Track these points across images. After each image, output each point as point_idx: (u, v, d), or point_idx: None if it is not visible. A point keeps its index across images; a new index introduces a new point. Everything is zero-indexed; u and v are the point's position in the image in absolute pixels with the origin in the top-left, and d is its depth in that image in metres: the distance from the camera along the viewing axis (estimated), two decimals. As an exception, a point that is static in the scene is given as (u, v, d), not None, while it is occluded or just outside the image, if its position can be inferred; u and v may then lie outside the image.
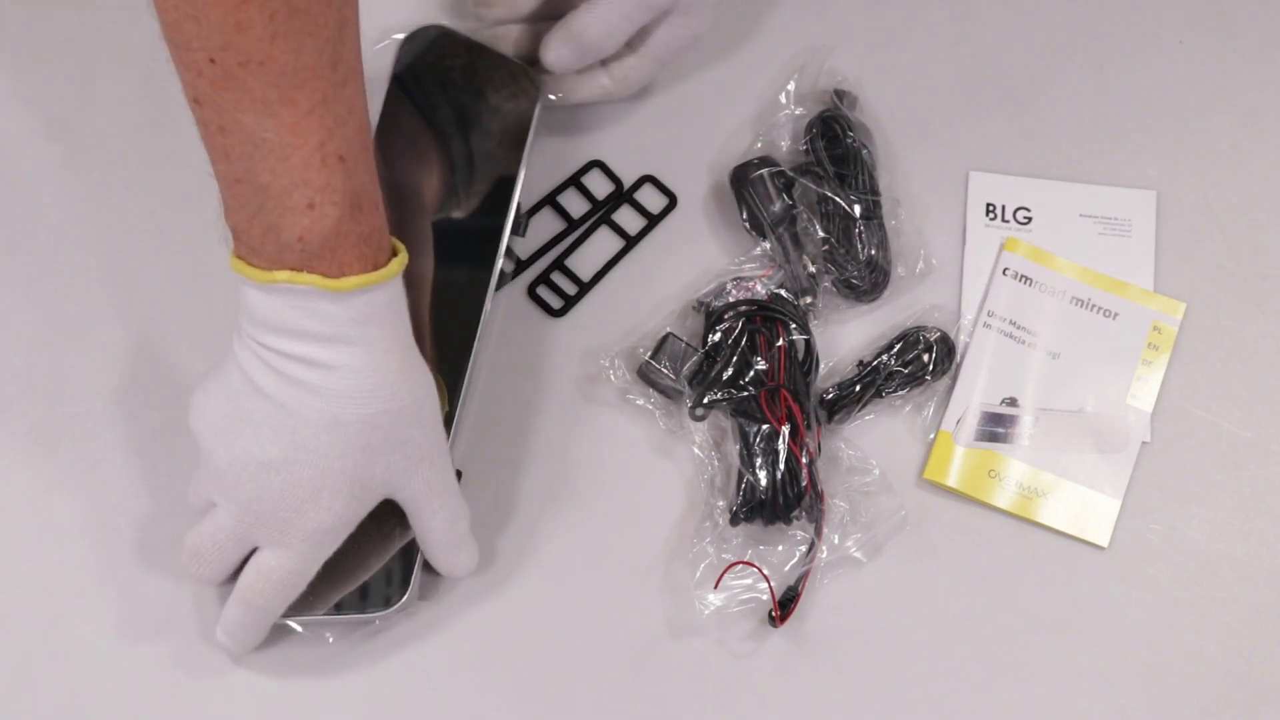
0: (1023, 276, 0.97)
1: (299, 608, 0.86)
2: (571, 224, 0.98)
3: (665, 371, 0.92)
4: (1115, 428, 0.94)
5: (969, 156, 0.99)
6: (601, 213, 0.98)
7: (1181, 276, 0.97)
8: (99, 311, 0.96)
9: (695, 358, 0.92)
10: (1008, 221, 0.98)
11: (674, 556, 0.91)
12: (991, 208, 0.98)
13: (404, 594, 0.87)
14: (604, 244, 0.98)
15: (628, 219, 0.98)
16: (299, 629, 0.88)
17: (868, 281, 0.94)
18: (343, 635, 0.89)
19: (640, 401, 0.93)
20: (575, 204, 0.98)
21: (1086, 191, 0.99)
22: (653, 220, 0.98)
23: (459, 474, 0.89)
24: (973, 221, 0.98)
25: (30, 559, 0.92)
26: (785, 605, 0.89)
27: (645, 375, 0.93)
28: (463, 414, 0.91)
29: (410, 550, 0.88)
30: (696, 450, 0.92)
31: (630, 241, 0.97)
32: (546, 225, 0.98)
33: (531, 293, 0.96)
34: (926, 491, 0.93)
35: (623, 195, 0.98)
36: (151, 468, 0.93)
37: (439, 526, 0.85)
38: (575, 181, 0.98)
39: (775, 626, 0.89)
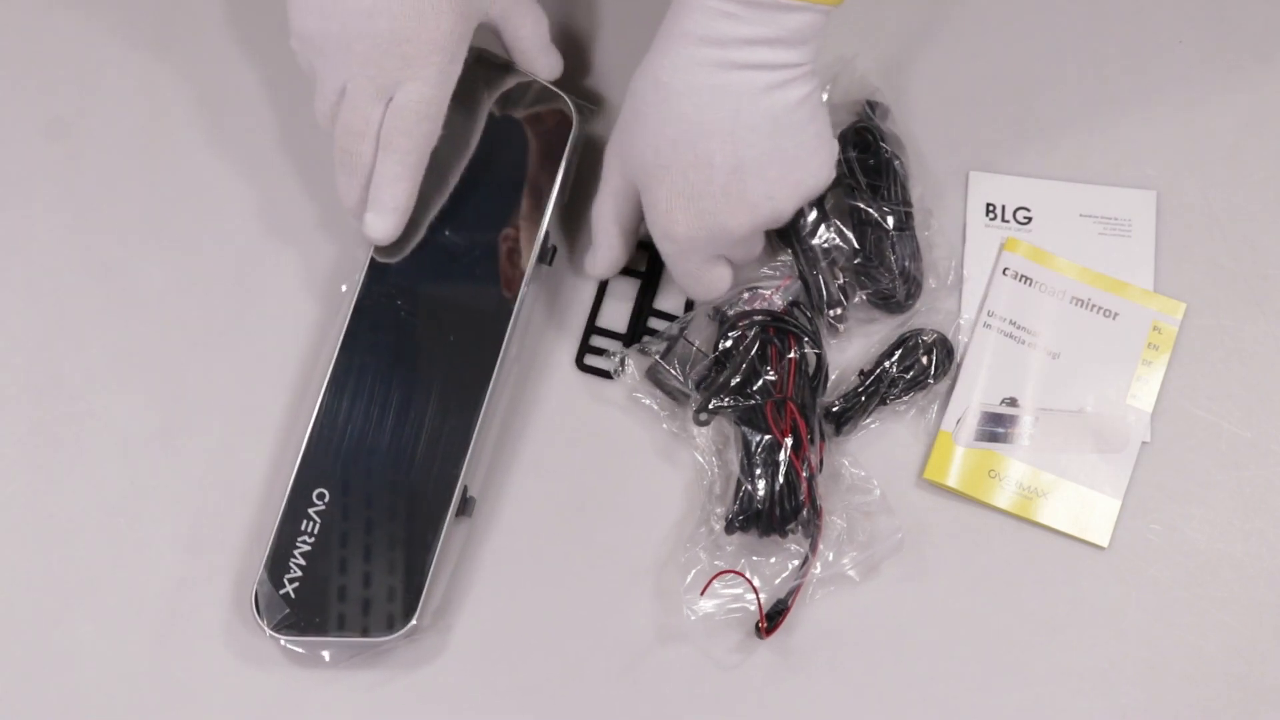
0: (1023, 276, 0.97)
1: (303, 627, 0.87)
2: (643, 271, 0.96)
3: (674, 373, 0.92)
4: (1115, 428, 0.94)
5: (969, 156, 0.99)
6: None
7: (1181, 276, 0.97)
8: (99, 311, 0.96)
9: (704, 362, 0.92)
10: (1008, 221, 0.98)
11: (667, 560, 0.91)
12: (991, 208, 0.98)
13: (410, 619, 0.87)
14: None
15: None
16: (300, 650, 0.88)
17: (901, 293, 0.94)
18: (341, 656, 0.89)
19: (647, 401, 0.93)
20: (640, 249, 0.97)
21: (1086, 191, 0.99)
22: None
23: (472, 501, 0.89)
24: (973, 221, 0.98)
25: (30, 559, 0.92)
26: (773, 618, 0.89)
27: (654, 376, 0.93)
28: (481, 439, 0.90)
29: (419, 572, 0.88)
30: (698, 455, 0.92)
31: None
32: (625, 289, 0.97)
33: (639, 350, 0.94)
34: (926, 492, 0.93)
35: None
36: (152, 468, 0.93)
37: (529, 33, 0.93)
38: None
39: (761, 638, 0.89)
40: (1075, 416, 0.94)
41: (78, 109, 1.00)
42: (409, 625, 0.87)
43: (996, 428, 0.94)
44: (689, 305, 0.96)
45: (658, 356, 0.93)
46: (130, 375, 0.95)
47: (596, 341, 0.95)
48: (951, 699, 0.90)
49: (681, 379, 0.92)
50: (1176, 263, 0.97)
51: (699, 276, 0.90)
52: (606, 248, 0.92)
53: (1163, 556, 0.92)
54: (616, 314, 0.96)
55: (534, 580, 0.91)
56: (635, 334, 0.95)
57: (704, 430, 0.92)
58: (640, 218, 0.91)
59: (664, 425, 0.93)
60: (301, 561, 0.88)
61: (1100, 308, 0.96)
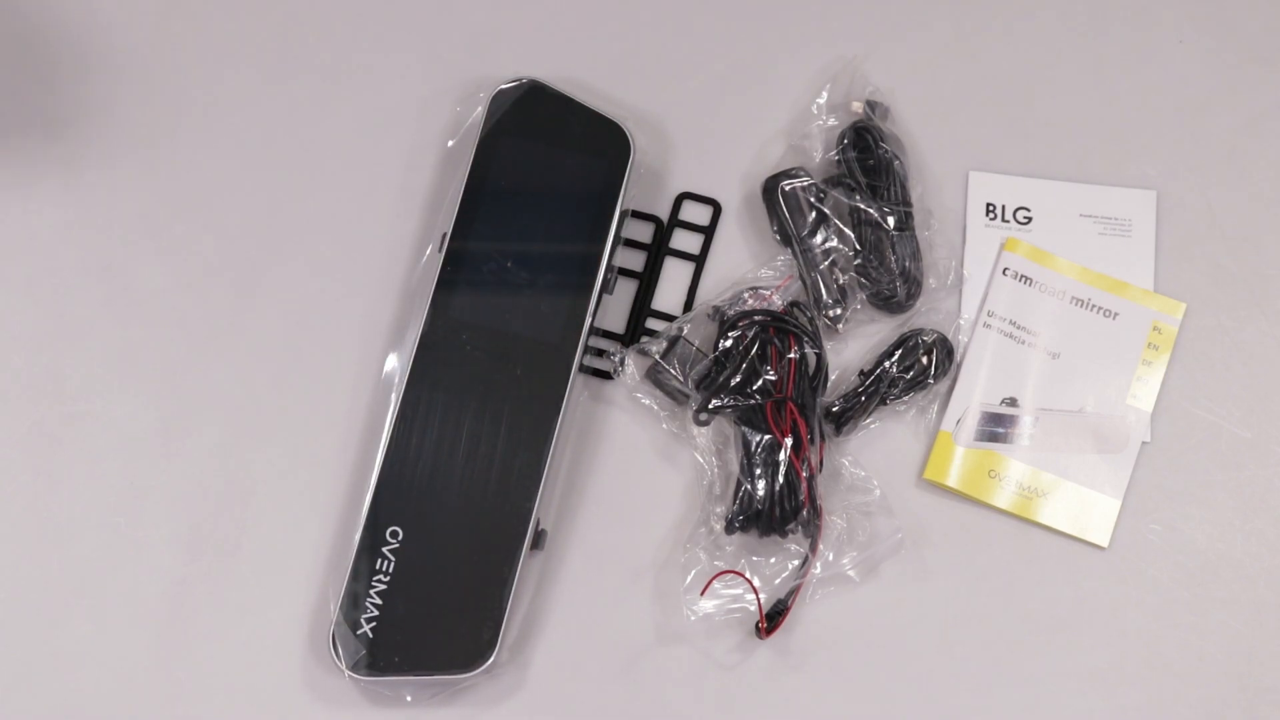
0: (1023, 276, 0.97)
1: (382, 667, 0.87)
2: (641, 272, 0.96)
3: (673, 373, 0.92)
4: (1115, 428, 0.94)
5: (969, 156, 0.99)
6: (661, 247, 0.97)
7: (1181, 276, 0.97)
8: (99, 311, 0.96)
9: (704, 362, 0.92)
10: (1008, 221, 0.98)
11: (667, 560, 0.91)
12: (991, 208, 0.98)
13: (491, 654, 0.87)
14: (675, 272, 0.97)
15: (685, 240, 0.97)
16: (380, 690, 0.88)
17: (901, 293, 0.94)
18: (421, 695, 0.88)
19: (647, 401, 0.93)
20: (633, 256, 0.97)
21: (1086, 191, 0.99)
22: (708, 231, 0.97)
23: (544, 534, 0.89)
24: (973, 221, 0.98)
25: (30, 559, 0.92)
26: (773, 618, 0.89)
27: (654, 376, 0.93)
28: (552, 471, 0.90)
29: (496, 607, 0.87)
30: (698, 455, 0.92)
31: (699, 259, 0.97)
32: (622, 289, 0.97)
33: (639, 350, 0.94)
34: (926, 492, 0.93)
35: (670, 222, 0.97)
36: (151, 468, 0.93)
37: None
38: (619, 238, 0.96)
39: (761, 638, 0.89)
40: (1075, 416, 0.94)
41: (78, 109, 1.00)
42: (489, 661, 0.87)
43: (996, 428, 0.94)
44: (688, 305, 0.96)
45: (658, 356, 0.93)
46: (130, 375, 0.95)
47: (595, 342, 0.95)
48: (951, 699, 0.90)
49: (681, 379, 0.92)
50: (1176, 263, 0.97)
51: None
52: None
53: (1163, 556, 0.92)
54: (614, 314, 0.96)
55: (535, 580, 0.91)
56: (634, 334, 0.95)
57: (704, 430, 0.92)
58: None
59: (664, 425, 0.93)
60: (378, 601, 0.87)
61: (1100, 308, 0.96)
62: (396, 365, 0.92)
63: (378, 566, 0.88)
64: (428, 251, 0.92)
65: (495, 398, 0.90)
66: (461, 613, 0.88)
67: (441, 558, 0.88)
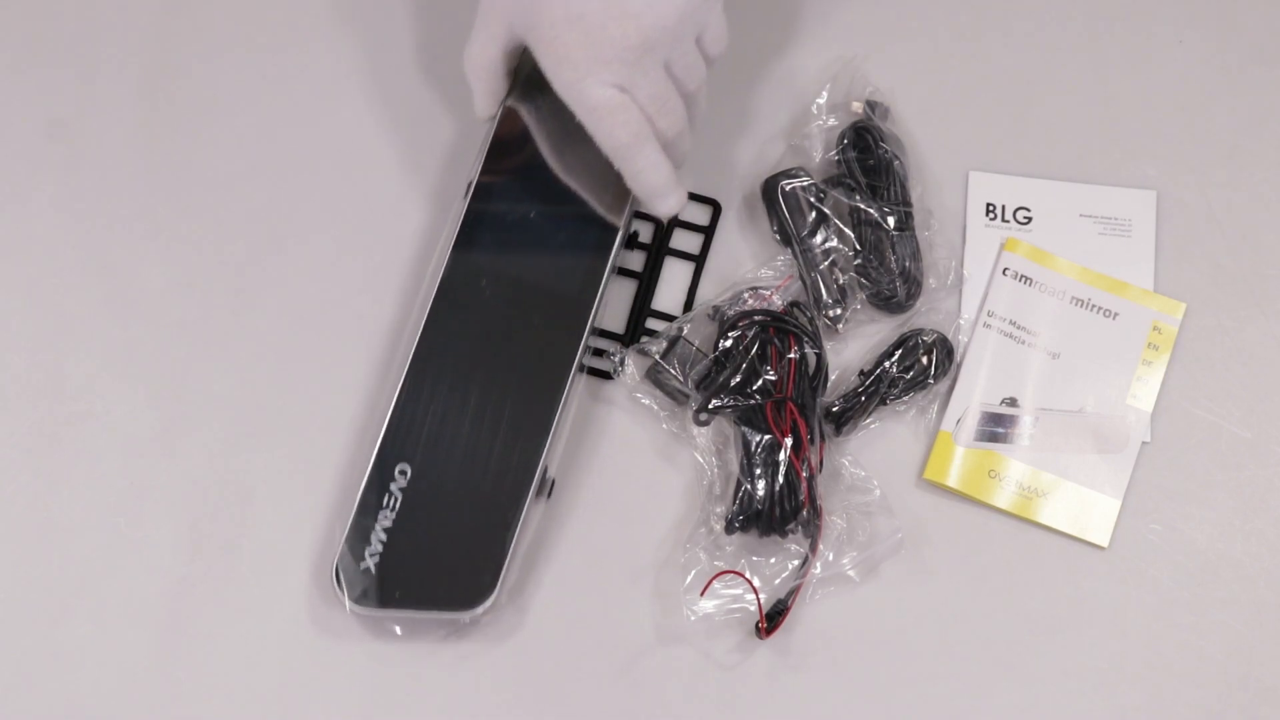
0: (1023, 276, 0.97)
1: (382, 601, 0.87)
2: (641, 272, 0.97)
3: (673, 373, 0.92)
4: (1115, 428, 0.94)
5: (969, 156, 0.99)
6: (661, 247, 0.97)
7: (1181, 276, 0.97)
8: (99, 311, 0.96)
9: (704, 362, 0.92)
10: (1008, 221, 0.98)
11: (667, 560, 0.91)
12: (991, 208, 0.98)
13: (490, 596, 0.88)
14: (675, 272, 0.97)
15: (685, 240, 0.98)
16: (378, 623, 0.89)
17: (901, 293, 0.94)
18: (417, 631, 0.89)
19: (647, 401, 0.93)
20: (632, 256, 0.97)
21: (1086, 191, 0.99)
22: (708, 231, 0.97)
23: (551, 482, 0.90)
24: (973, 221, 0.98)
25: (30, 559, 0.92)
26: (773, 618, 0.89)
27: (654, 376, 0.93)
28: (562, 420, 0.90)
29: (499, 550, 0.88)
30: (698, 455, 0.92)
31: (699, 259, 0.97)
32: (622, 290, 0.97)
33: (639, 350, 0.94)
34: (926, 492, 0.93)
35: (670, 222, 0.97)
36: (151, 467, 0.93)
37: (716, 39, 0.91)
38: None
39: (761, 638, 0.89)
40: (1075, 416, 0.94)
41: (78, 109, 1.00)
42: (488, 602, 0.88)
43: (996, 428, 0.94)
44: (688, 305, 0.96)
45: (657, 356, 0.93)
46: (130, 375, 0.95)
47: (594, 342, 0.95)
48: (951, 699, 0.90)
49: (681, 379, 0.92)
50: (1176, 263, 0.97)
51: (602, 104, 0.87)
52: (483, 92, 0.93)
53: (1163, 556, 0.92)
54: (614, 314, 0.96)
55: (532, 579, 0.91)
56: (634, 334, 0.95)
57: (704, 430, 0.92)
58: (514, 58, 0.92)
59: (664, 425, 0.93)
60: (383, 536, 0.88)
61: (1100, 308, 0.96)
62: (415, 308, 0.92)
63: (384, 503, 0.89)
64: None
65: (511, 344, 0.91)
66: (464, 553, 0.88)
67: (448, 498, 0.89)
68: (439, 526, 0.89)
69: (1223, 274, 0.97)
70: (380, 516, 0.88)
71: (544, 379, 0.90)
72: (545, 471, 0.89)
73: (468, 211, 0.92)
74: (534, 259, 0.93)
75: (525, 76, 0.94)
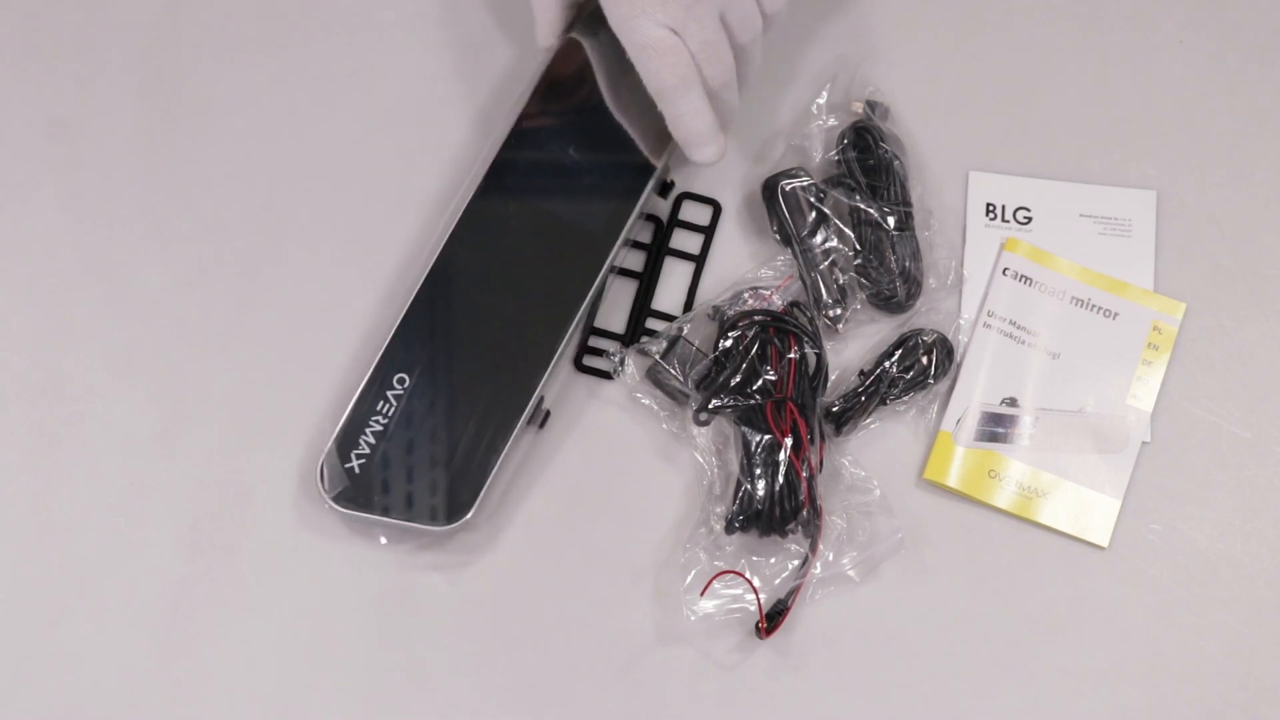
0: (1023, 276, 0.97)
1: (363, 504, 0.89)
2: (641, 272, 0.97)
3: (673, 373, 0.92)
4: (1115, 428, 0.94)
5: (969, 156, 0.99)
6: (661, 247, 0.97)
7: (1181, 276, 0.97)
8: (99, 312, 0.96)
9: (704, 362, 0.92)
10: (1008, 221, 0.98)
11: (667, 560, 0.91)
12: (991, 208, 0.98)
13: (466, 513, 0.88)
14: (675, 272, 0.97)
15: (685, 240, 0.98)
16: (383, 541, 0.90)
17: (901, 293, 0.94)
18: (394, 538, 0.90)
19: (647, 401, 0.93)
20: (632, 255, 0.97)
21: (1086, 191, 0.99)
22: (708, 231, 0.97)
23: (546, 413, 0.92)
24: (973, 221, 0.98)
25: (30, 559, 0.92)
26: (773, 618, 0.89)
27: (653, 376, 0.93)
28: (561, 360, 0.92)
29: (482, 470, 0.89)
30: (698, 455, 0.92)
31: (699, 259, 0.97)
32: (622, 289, 0.97)
33: (639, 350, 0.95)
34: (926, 492, 0.93)
35: (670, 222, 0.97)
36: (151, 467, 0.93)
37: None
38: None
39: (761, 638, 0.89)
40: (1075, 416, 0.94)
41: (78, 109, 1.00)
42: (462, 520, 0.88)
43: (996, 428, 0.94)
44: (688, 305, 0.96)
45: (658, 357, 0.93)
46: (130, 375, 0.95)
47: (595, 342, 0.95)
48: (951, 699, 0.90)
49: (681, 379, 0.92)
50: (1176, 263, 0.97)
51: (653, 43, 0.88)
52: (545, 21, 0.94)
53: (1163, 556, 0.92)
54: (615, 314, 0.96)
55: (532, 578, 0.91)
56: (634, 334, 0.95)
57: (704, 430, 0.92)
58: None
59: (664, 425, 0.93)
60: (371, 440, 0.89)
61: (1100, 308, 0.96)
62: (441, 223, 0.93)
63: (379, 409, 0.90)
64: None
65: (526, 273, 0.92)
66: (448, 469, 0.89)
67: (441, 413, 0.90)
68: (428, 439, 0.90)
69: (1223, 274, 0.97)
70: (372, 421, 0.90)
71: (554, 309, 0.92)
72: (541, 401, 0.90)
73: (509, 136, 0.94)
74: (565, 192, 0.94)
75: (589, 12, 0.95)
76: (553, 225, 0.93)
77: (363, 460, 0.89)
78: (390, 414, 0.90)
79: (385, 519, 0.89)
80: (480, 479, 0.89)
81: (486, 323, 0.91)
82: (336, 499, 0.89)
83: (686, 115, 0.90)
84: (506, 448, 0.89)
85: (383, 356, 0.91)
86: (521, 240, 0.93)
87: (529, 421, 0.90)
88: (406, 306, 0.91)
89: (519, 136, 0.94)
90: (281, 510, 0.92)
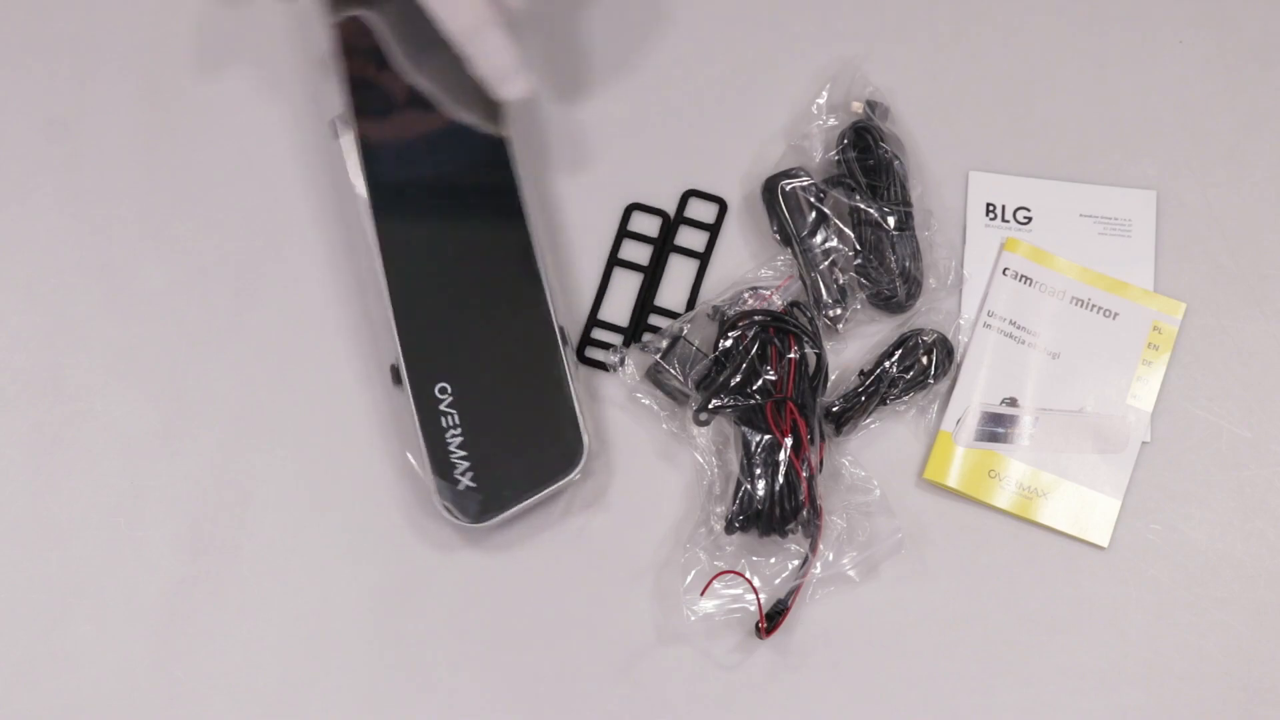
0: (1023, 276, 0.97)
1: (497, 506, 0.89)
2: (646, 267, 0.97)
3: (673, 373, 0.92)
4: (1115, 428, 0.94)
5: (969, 156, 0.99)
6: (666, 243, 0.97)
7: (1181, 276, 0.97)
8: (99, 311, 0.96)
9: (704, 362, 0.92)
10: (1008, 221, 0.98)
11: (667, 560, 0.91)
12: (991, 208, 0.98)
13: (584, 448, 0.90)
14: (679, 269, 0.98)
15: (691, 238, 0.98)
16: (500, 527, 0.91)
17: (901, 293, 0.94)
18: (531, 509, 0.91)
19: (647, 401, 0.93)
20: (638, 249, 0.98)
21: (1086, 191, 0.99)
22: (713, 229, 0.97)
23: (566, 333, 0.92)
24: (973, 221, 0.98)
25: (30, 559, 0.92)
26: (773, 618, 0.89)
27: (654, 376, 0.93)
28: (550, 276, 0.92)
29: (566, 405, 0.90)
30: (698, 455, 0.92)
31: (704, 257, 0.97)
32: (626, 282, 0.97)
33: (640, 349, 0.95)
34: (926, 492, 0.93)
35: (676, 218, 0.98)
36: (151, 468, 0.93)
37: None
38: (625, 231, 0.97)
39: (761, 638, 0.89)
40: (1075, 416, 0.94)
41: (78, 109, 1.00)
42: (585, 456, 0.90)
43: (996, 428, 0.94)
44: (691, 303, 0.96)
45: (658, 357, 0.93)
46: (130, 375, 0.95)
47: (598, 335, 0.95)
48: (951, 699, 0.90)
49: (681, 379, 0.92)
50: (1176, 263, 0.97)
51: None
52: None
53: (1163, 556, 0.92)
54: (619, 308, 0.96)
55: (532, 577, 0.91)
56: (636, 329, 0.95)
57: (704, 430, 0.92)
58: None
59: (664, 425, 0.93)
60: (462, 452, 0.90)
61: (1100, 308, 0.96)
62: (369, 260, 0.93)
63: (445, 425, 0.90)
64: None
65: (461, 229, 0.93)
66: (539, 425, 0.90)
67: (494, 390, 0.91)
68: (503, 417, 0.90)
69: (1223, 274, 0.97)
70: (449, 438, 0.90)
71: (507, 244, 0.92)
72: (563, 330, 0.91)
73: (364, 164, 0.93)
74: (437, 137, 0.94)
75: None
76: (463, 224, 0.94)
77: (470, 472, 0.89)
78: (458, 422, 0.90)
79: (524, 504, 0.90)
80: (569, 413, 0.90)
81: (465, 295, 0.92)
82: (478, 518, 0.89)
83: (491, 54, 0.88)
84: (570, 378, 0.90)
85: (413, 385, 0.90)
86: (447, 246, 0.93)
87: (565, 343, 0.91)
88: (396, 332, 0.91)
89: (370, 150, 0.94)
90: (281, 510, 0.92)
